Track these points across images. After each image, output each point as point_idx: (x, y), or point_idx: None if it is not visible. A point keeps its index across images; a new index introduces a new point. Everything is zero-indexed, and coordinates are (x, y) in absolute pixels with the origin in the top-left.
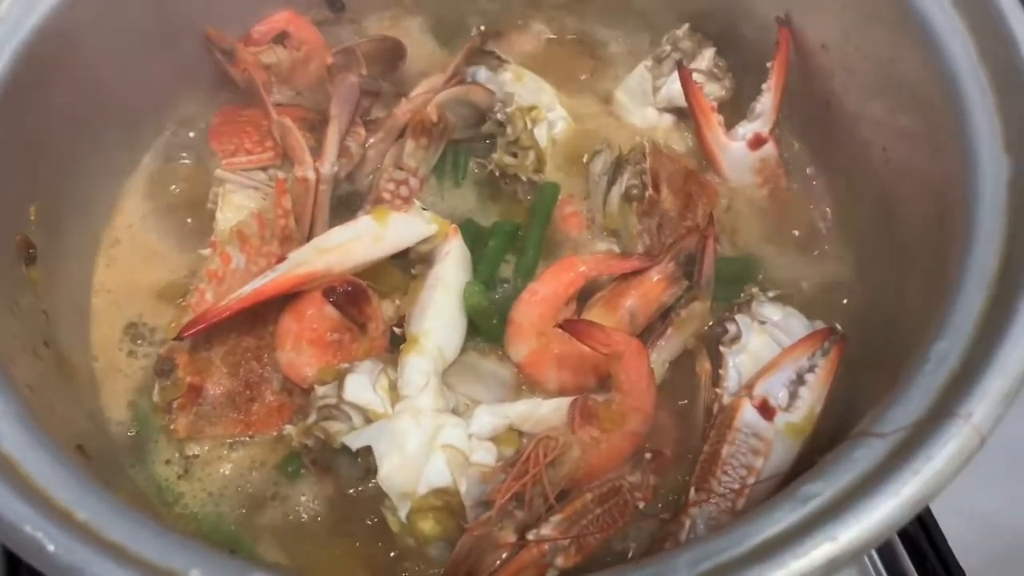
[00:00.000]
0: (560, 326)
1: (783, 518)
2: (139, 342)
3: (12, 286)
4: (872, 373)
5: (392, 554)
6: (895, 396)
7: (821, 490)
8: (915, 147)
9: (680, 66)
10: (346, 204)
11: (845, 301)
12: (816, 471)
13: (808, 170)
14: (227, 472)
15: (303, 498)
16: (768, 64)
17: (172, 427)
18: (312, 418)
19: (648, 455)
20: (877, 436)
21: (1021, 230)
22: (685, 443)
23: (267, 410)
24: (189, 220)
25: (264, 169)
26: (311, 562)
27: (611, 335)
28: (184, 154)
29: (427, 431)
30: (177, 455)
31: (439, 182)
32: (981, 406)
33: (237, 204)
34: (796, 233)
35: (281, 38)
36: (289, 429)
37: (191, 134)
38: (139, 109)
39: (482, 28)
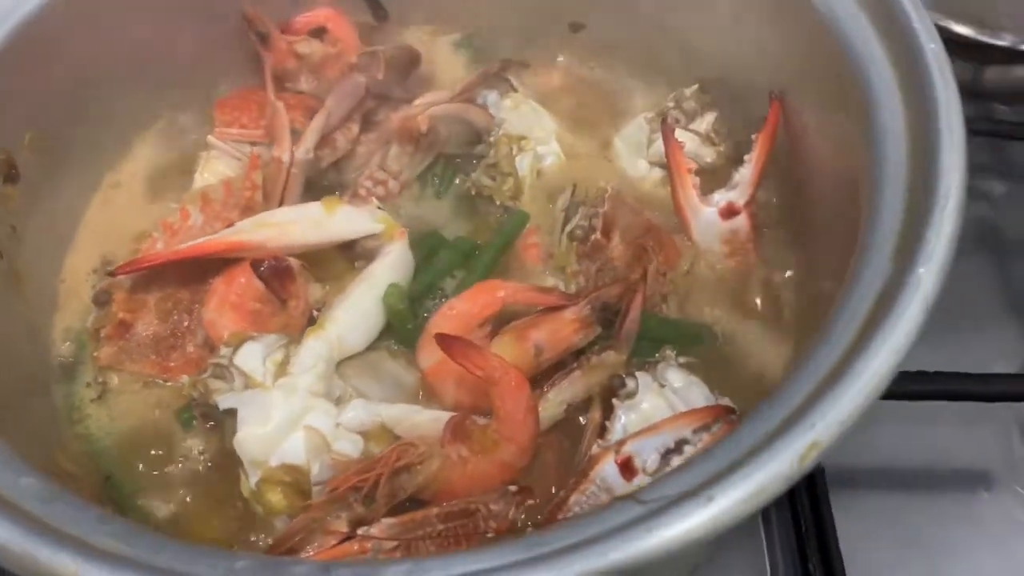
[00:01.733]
0: (436, 339)
1: (505, 556)
2: (104, 277)
3: None
4: None
5: (244, 519)
6: (677, 469)
7: (552, 541)
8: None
9: (663, 121)
10: (328, 191)
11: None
12: (565, 523)
13: (776, 252)
14: (134, 407)
15: (189, 446)
16: (753, 136)
17: (96, 354)
18: (206, 374)
19: (514, 488)
20: (639, 502)
21: (871, 336)
22: (560, 487)
23: (185, 360)
24: (186, 179)
25: (253, 144)
26: (178, 505)
27: (487, 360)
28: (203, 121)
29: (294, 409)
30: (97, 380)
31: (421, 191)
32: (726, 495)
33: (217, 170)
34: (748, 311)
35: (320, 33)
36: (185, 379)
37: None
38: (169, 72)
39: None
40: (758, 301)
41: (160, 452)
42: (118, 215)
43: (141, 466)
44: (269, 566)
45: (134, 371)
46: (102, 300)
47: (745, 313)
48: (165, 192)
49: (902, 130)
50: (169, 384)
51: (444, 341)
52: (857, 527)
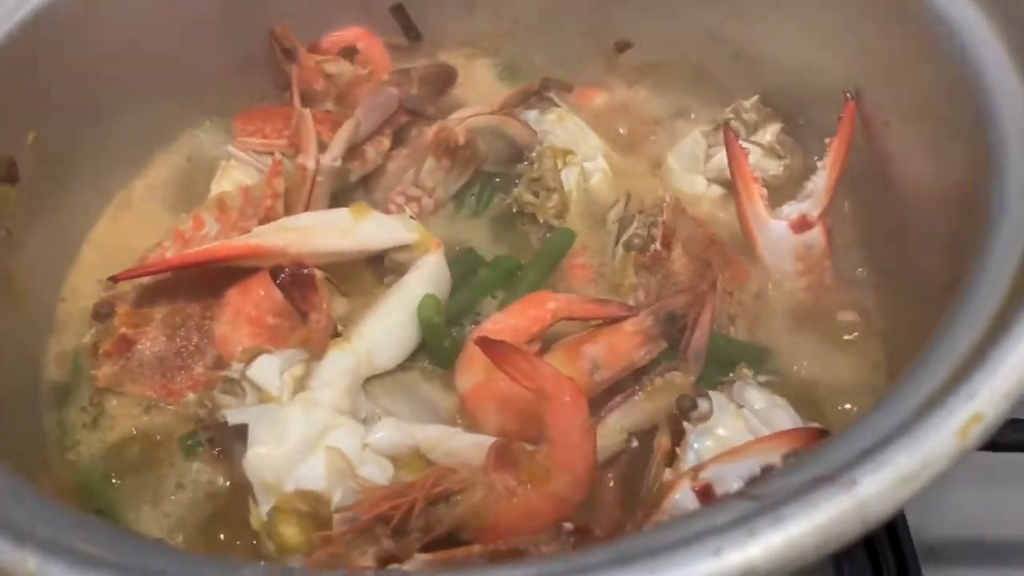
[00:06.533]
0: (476, 342)
1: (586, 562)
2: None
3: None
4: None
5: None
6: (796, 461)
7: (649, 544)
8: (960, 241)
9: (726, 127)
10: None
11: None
12: (663, 525)
13: (858, 268)
14: (131, 432)
15: (191, 477)
16: (827, 140)
17: (93, 373)
18: (215, 390)
19: (570, 527)
20: (752, 499)
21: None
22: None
23: (192, 382)
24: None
25: (274, 155)
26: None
27: (537, 368)
28: (224, 141)
29: (315, 426)
30: (91, 403)
31: (456, 210)
32: (871, 478)
33: (235, 179)
34: (828, 333)
35: (350, 53)
36: (191, 397)
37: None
38: (191, 88)
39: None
40: (837, 322)
41: (159, 485)
42: (128, 235)
43: (136, 500)
44: None
45: (135, 393)
46: (103, 313)
47: (824, 336)
48: (180, 213)
49: None
50: (172, 408)
51: (487, 345)
52: None
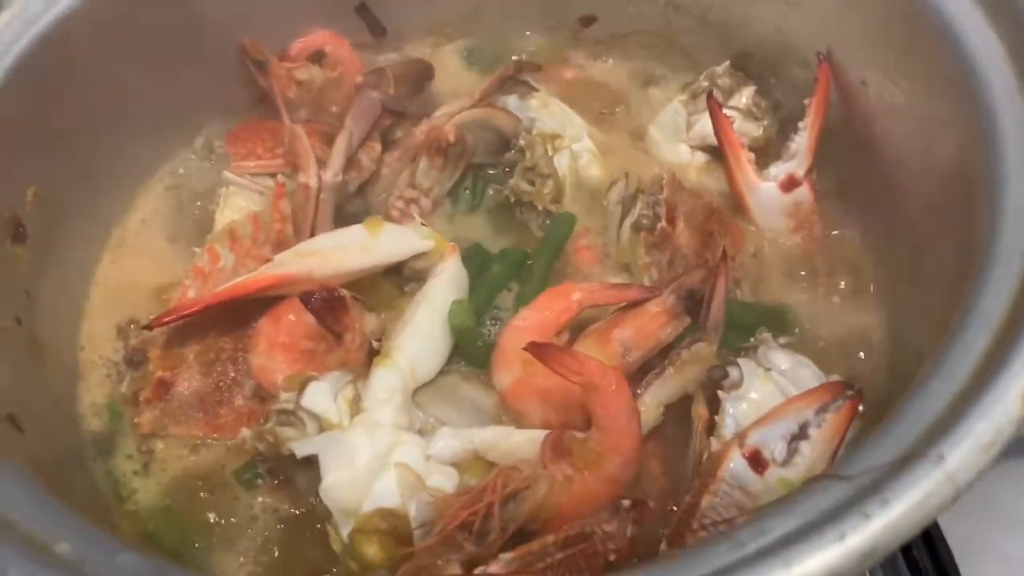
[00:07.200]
0: (527, 348)
1: (714, 562)
2: (130, 340)
3: None
4: None
5: None
6: (871, 437)
7: (760, 534)
8: (950, 193)
9: (710, 97)
10: (357, 219)
11: (863, 356)
12: (762, 514)
13: (845, 218)
14: (185, 473)
15: (256, 509)
16: (806, 101)
17: (136, 420)
18: (270, 423)
19: (627, 503)
20: (841, 479)
21: None
22: (673, 495)
23: (235, 415)
24: (198, 225)
25: (273, 176)
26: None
27: (584, 363)
28: (209, 163)
29: (380, 446)
30: (138, 450)
31: (453, 206)
32: (956, 450)
33: (239, 206)
34: (826, 285)
35: (318, 57)
36: (245, 432)
37: (219, 144)
38: (167, 114)
39: (519, 58)
40: (833, 273)
41: (227, 521)
42: (131, 272)
43: (208, 541)
44: None
45: (180, 434)
46: (136, 360)
47: (824, 288)
48: (180, 239)
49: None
50: (220, 443)
51: (536, 349)
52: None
